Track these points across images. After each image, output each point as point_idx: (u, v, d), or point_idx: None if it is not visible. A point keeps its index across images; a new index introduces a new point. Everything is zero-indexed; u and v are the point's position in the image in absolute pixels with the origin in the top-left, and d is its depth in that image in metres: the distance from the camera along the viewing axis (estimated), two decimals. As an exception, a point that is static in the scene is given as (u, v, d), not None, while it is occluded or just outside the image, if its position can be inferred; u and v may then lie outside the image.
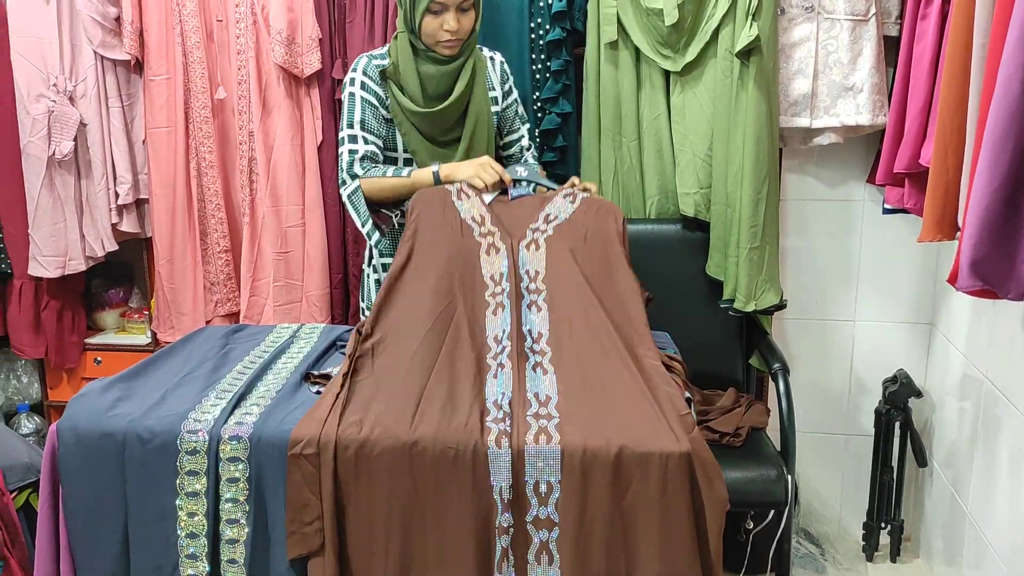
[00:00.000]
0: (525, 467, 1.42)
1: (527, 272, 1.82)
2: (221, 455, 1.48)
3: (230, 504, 1.49)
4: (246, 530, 1.49)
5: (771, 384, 2.57)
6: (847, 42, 2.29)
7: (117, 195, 2.74)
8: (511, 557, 1.43)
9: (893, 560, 2.60)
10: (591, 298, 1.74)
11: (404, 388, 1.56)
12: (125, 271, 3.10)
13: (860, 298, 2.63)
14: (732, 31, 2.27)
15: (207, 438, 1.49)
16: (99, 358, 2.96)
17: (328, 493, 1.43)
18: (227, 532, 1.50)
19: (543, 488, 1.43)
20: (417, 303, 1.75)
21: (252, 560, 1.50)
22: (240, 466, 1.48)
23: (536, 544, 1.44)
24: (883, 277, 2.60)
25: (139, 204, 2.83)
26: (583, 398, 1.54)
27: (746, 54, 2.24)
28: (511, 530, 1.43)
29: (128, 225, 2.80)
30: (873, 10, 2.28)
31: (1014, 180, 1.27)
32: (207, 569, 1.50)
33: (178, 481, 1.49)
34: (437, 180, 1.98)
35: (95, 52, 2.64)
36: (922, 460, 2.50)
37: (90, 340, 2.98)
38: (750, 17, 2.22)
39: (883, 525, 2.59)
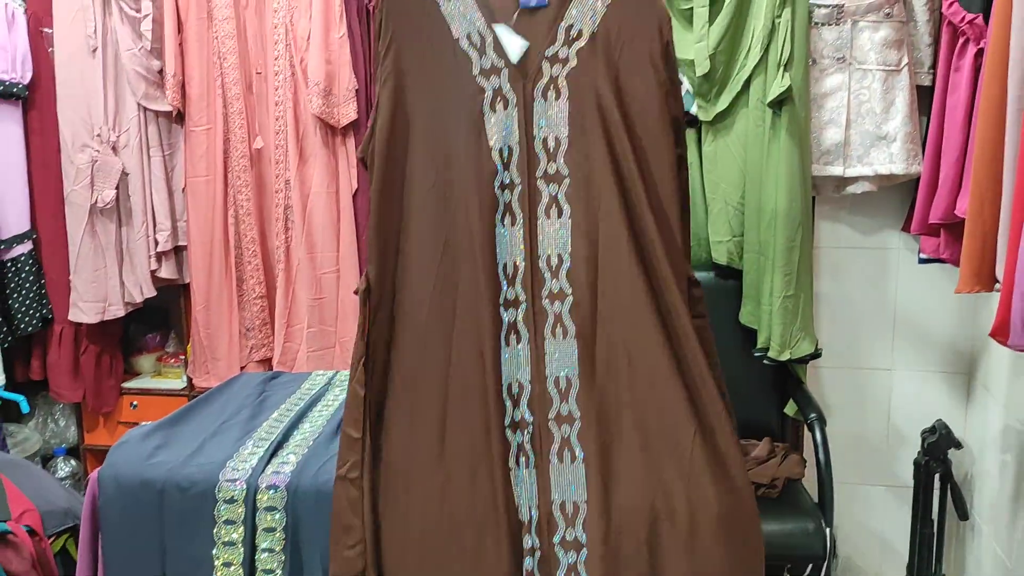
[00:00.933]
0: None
1: (544, 143, 1.41)
2: (258, 504, 1.49)
3: (267, 554, 1.50)
4: (282, 580, 1.50)
5: (806, 433, 2.55)
6: (879, 92, 2.30)
7: (156, 242, 2.80)
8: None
9: (935, 616, 2.53)
10: (622, 209, 1.39)
11: (424, 400, 1.43)
12: (162, 316, 3.15)
13: (897, 347, 2.60)
14: (764, 81, 2.29)
15: (245, 487, 1.50)
16: (135, 402, 3.00)
17: (367, 515, 1.38)
18: (263, 582, 1.50)
19: (569, 509, 1.39)
20: (417, 234, 1.43)
21: (287, 611, 1.50)
22: (277, 515, 1.49)
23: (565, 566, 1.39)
24: (920, 326, 2.57)
25: (177, 251, 2.88)
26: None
27: (778, 104, 2.26)
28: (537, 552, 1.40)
29: (167, 271, 2.85)
30: (905, 60, 2.29)
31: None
32: (243, 619, 1.50)
33: (215, 530, 1.50)
34: None
35: (138, 104, 2.72)
36: (963, 513, 2.44)
37: (127, 384, 3.02)
38: (781, 68, 2.24)
39: (924, 580, 2.54)
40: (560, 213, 1.41)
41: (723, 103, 2.36)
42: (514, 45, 1.42)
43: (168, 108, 2.72)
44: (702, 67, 2.32)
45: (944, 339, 2.56)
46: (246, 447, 1.61)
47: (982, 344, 2.46)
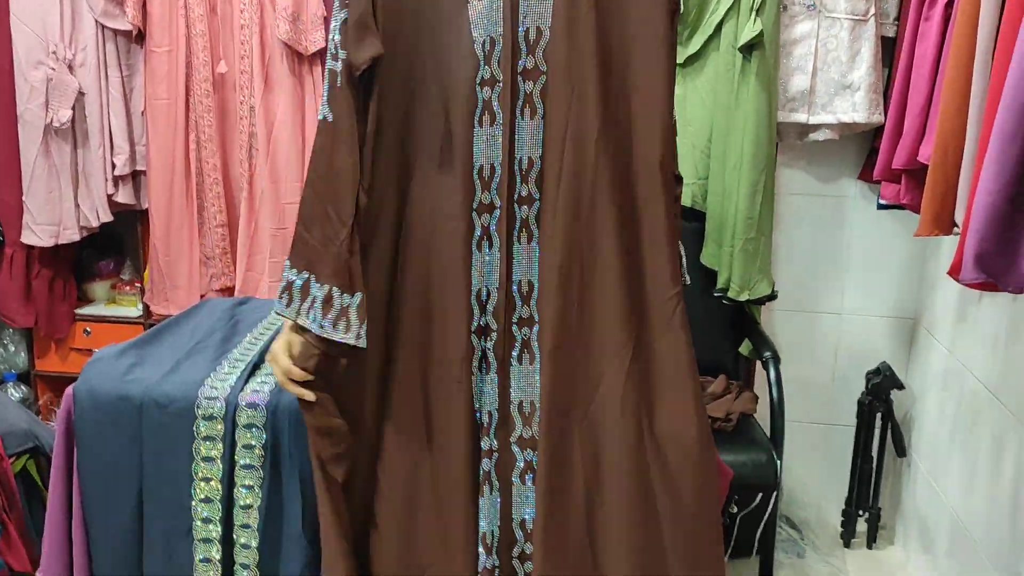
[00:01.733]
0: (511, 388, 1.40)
1: (526, 33, 1.34)
2: (238, 421, 1.51)
3: (246, 471, 1.52)
4: (260, 496, 1.52)
5: (759, 372, 2.64)
6: (847, 41, 2.35)
7: (114, 165, 2.73)
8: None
9: (869, 547, 2.68)
10: (599, 108, 1.34)
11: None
12: (116, 243, 3.09)
13: (847, 292, 2.70)
14: (735, 25, 2.32)
15: (224, 405, 1.51)
16: (88, 329, 2.95)
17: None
18: (241, 497, 1.52)
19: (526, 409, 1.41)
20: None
21: (265, 525, 1.52)
22: (256, 432, 1.51)
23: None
24: (870, 272, 2.67)
25: (135, 176, 2.82)
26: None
27: (748, 49, 2.29)
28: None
29: (124, 196, 2.79)
30: (872, 11, 2.34)
31: (1020, 178, 1.32)
32: (220, 532, 1.52)
33: (194, 446, 1.51)
34: None
35: (96, 21, 2.63)
36: (901, 450, 2.58)
37: (80, 311, 2.97)
38: (754, 12, 2.27)
39: (861, 512, 2.67)
40: (534, 113, 1.37)
41: (695, 45, 2.38)
42: None
43: (128, 27, 2.63)
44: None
45: (893, 285, 2.66)
46: (222, 367, 1.62)
47: (929, 290, 2.57)
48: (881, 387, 2.56)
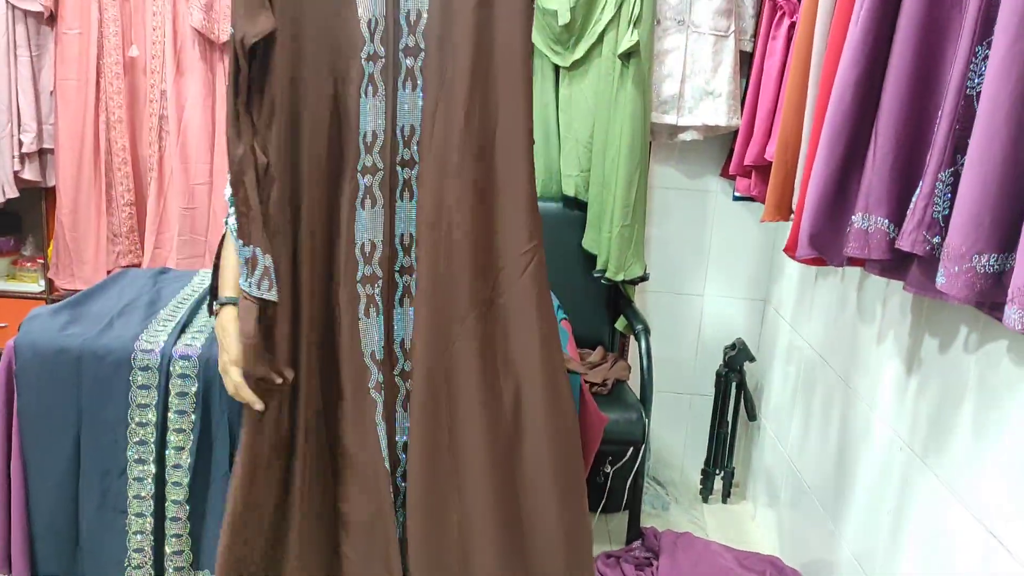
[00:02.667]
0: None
1: (407, 15, 1.50)
2: (172, 372, 1.67)
3: (177, 415, 1.68)
4: (191, 438, 1.69)
5: (632, 346, 2.95)
6: (710, 53, 2.68)
7: (21, 143, 2.79)
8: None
9: (724, 501, 3.03)
10: (468, 80, 1.49)
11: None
12: (14, 221, 3.13)
13: (709, 276, 3.04)
14: (616, 35, 2.61)
15: (159, 357, 1.67)
16: (-12, 304, 3.00)
17: None
18: (173, 440, 1.69)
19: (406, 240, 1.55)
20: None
21: (196, 466, 1.69)
22: (189, 382, 1.68)
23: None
24: (728, 258, 3.02)
25: (41, 153, 2.88)
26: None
27: (627, 56, 2.59)
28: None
29: (30, 173, 2.85)
30: (733, 28, 2.67)
31: (843, 169, 1.64)
32: (153, 471, 1.68)
33: (130, 394, 1.67)
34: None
35: (7, 2, 2.69)
36: (752, 415, 2.94)
37: (-21, 286, 3.01)
38: (632, 24, 2.57)
39: (717, 472, 3.02)
40: (415, 86, 1.53)
41: (580, 52, 2.66)
42: None
43: (39, 8, 2.71)
44: (563, 18, 2.61)
45: (747, 270, 3.02)
46: (153, 325, 1.77)
47: (777, 273, 2.94)
48: (736, 360, 2.90)
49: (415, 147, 1.55)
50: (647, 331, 2.57)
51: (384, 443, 1.60)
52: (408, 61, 1.52)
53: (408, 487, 1.58)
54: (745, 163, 2.34)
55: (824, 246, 1.72)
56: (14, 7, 2.71)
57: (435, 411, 1.57)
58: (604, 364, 2.65)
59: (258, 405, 1.49)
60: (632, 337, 2.84)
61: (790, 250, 1.84)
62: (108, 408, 1.66)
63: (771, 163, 2.13)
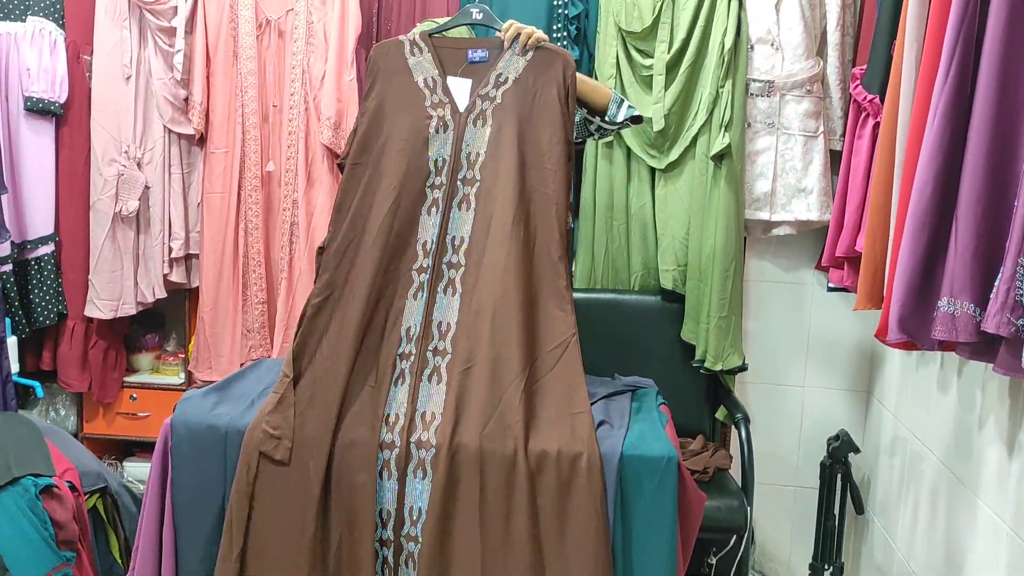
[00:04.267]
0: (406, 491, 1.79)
1: (468, 157, 2.01)
2: (305, 448, 1.85)
3: (309, 488, 1.85)
4: (320, 510, 1.85)
5: (732, 435, 3.00)
6: (800, 153, 2.81)
7: (171, 249, 3.13)
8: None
9: (835, 598, 2.98)
10: (515, 204, 1.95)
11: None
12: (159, 320, 3.46)
13: (809, 367, 3.08)
14: (708, 138, 2.78)
15: (294, 434, 1.86)
16: (135, 395, 3.29)
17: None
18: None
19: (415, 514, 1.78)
20: (373, 201, 2.00)
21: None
22: (319, 457, 1.85)
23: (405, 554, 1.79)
24: (827, 349, 3.06)
25: (187, 258, 3.21)
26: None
27: (719, 158, 2.74)
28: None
29: (177, 276, 3.18)
30: (822, 128, 2.81)
31: (928, 256, 1.72)
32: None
33: (269, 469, 1.85)
34: None
35: (165, 127, 3.07)
36: (859, 508, 2.91)
37: (128, 378, 3.31)
38: (723, 128, 2.73)
39: (826, 566, 2.98)
40: (469, 206, 1.99)
41: (674, 155, 2.83)
42: (462, 90, 2.06)
43: (192, 132, 3.08)
44: (658, 124, 2.79)
45: (848, 361, 3.05)
46: (289, 407, 1.97)
47: (879, 364, 2.96)
48: (840, 451, 2.90)
49: (462, 253, 1.99)
50: (747, 420, 2.63)
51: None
52: (466, 189, 2.01)
53: None
54: (837, 255, 2.43)
55: (913, 330, 1.79)
56: (170, 131, 3.08)
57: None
58: (705, 452, 2.71)
59: None
60: (733, 427, 2.89)
61: (881, 334, 1.91)
62: (250, 482, 1.85)
63: (861, 254, 2.22)
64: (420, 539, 1.77)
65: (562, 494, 1.76)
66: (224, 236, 3.09)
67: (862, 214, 2.33)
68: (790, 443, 3.12)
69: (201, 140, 3.12)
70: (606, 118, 2.18)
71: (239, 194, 3.09)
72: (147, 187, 3.07)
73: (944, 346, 1.80)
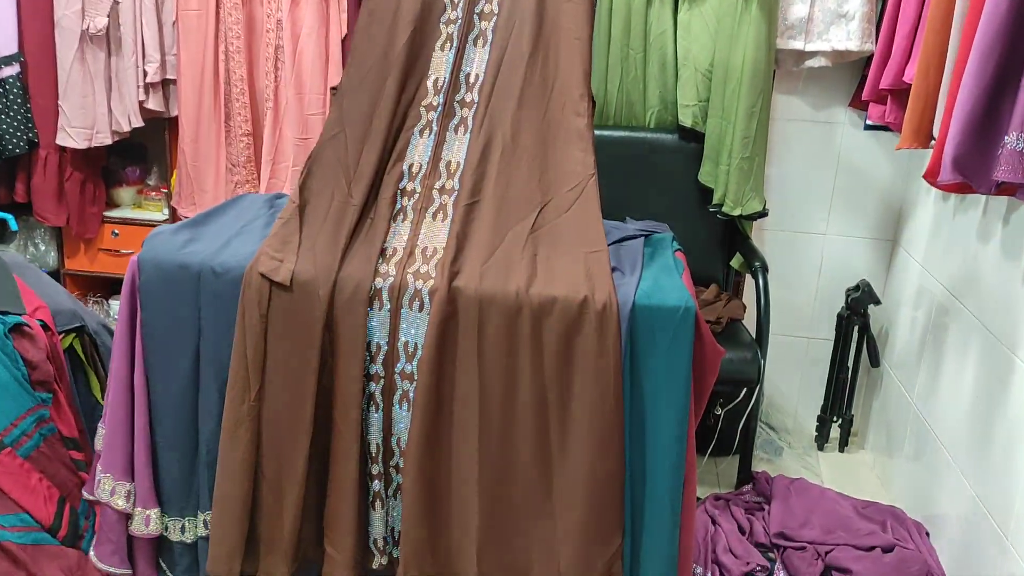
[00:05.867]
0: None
1: (466, 78, 1.90)
2: (286, 290, 1.68)
3: (292, 333, 1.70)
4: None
5: (746, 284, 2.85)
6: (844, -28, 2.50)
7: (145, 73, 2.87)
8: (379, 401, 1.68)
9: (841, 450, 2.92)
10: (532, 38, 1.86)
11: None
12: (140, 151, 3.24)
13: (832, 213, 2.89)
14: (741, -45, 2.47)
15: (274, 274, 1.69)
16: (116, 231, 3.12)
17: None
18: (287, 357, 1.71)
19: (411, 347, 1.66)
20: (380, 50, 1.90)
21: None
22: (302, 300, 1.69)
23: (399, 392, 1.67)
24: (854, 195, 2.86)
25: (164, 84, 2.96)
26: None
27: (752, -24, 2.44)
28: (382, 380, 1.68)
29: (154, 103, 2.93)
30: (869, -56, 2.49)
31: (995, 87, 1.50)
32: (269, 388, 1.71)
33: (246, 311, 1.69)
34: None
35: (131, -68, 2.75)
36: (875, 361, 2.80)
37: (108, 213, 3.13)
38: (759, -57, 2.42)
39: (835, 419, 2.90)
40: (485, 41, 1.91)
41: (701, -27, 2.53)
42: None
43: (162, -61, 2.76)
44: (685, -64, 2.48)
45: (875, 208, 2.85)
46: (268, 245, 1.79)
47: (909, 211, 2.76)
48: (859, 302, 2.76)
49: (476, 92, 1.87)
50: (765, 268, 2.46)
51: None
52: (483, 24, 1.90)
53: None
54: (881, 87, 2.18)
55: (970, 170, 1.59)
56: (138, -62, 2.76)
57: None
58: (718, 302, 2.56)
59: None
60: (748, 275, 2.73)
61: (931, 175, 1.71)
62: (225, 324, 1.69)
63: (910, 86, 1.98)
64: (415, 377, 1.64)
65: (570, 337, 1.63)
66: (203, 60, 2.82)
67: (913, 41, 2.07)
68: (806, 293, 2.97)
69: (173, -51, 2.80)
70: None
71: (217, 12, 2.80)
72: (116, 2, 2.78)
73: (1003, 189, 1.59)
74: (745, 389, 2.40)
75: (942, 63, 1.84)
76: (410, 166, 1.84)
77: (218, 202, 2.88)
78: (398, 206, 1.80)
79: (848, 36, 2.53)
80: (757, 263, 2.48)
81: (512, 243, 1.73)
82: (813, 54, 2.61)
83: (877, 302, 2.76)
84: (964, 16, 1.78)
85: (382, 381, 1.68)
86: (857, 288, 2.79)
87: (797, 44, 2.58)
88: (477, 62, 1.90)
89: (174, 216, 3.04)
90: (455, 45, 1.90)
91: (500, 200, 1.78)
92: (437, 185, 1.82)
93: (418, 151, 1.85)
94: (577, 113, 1.83)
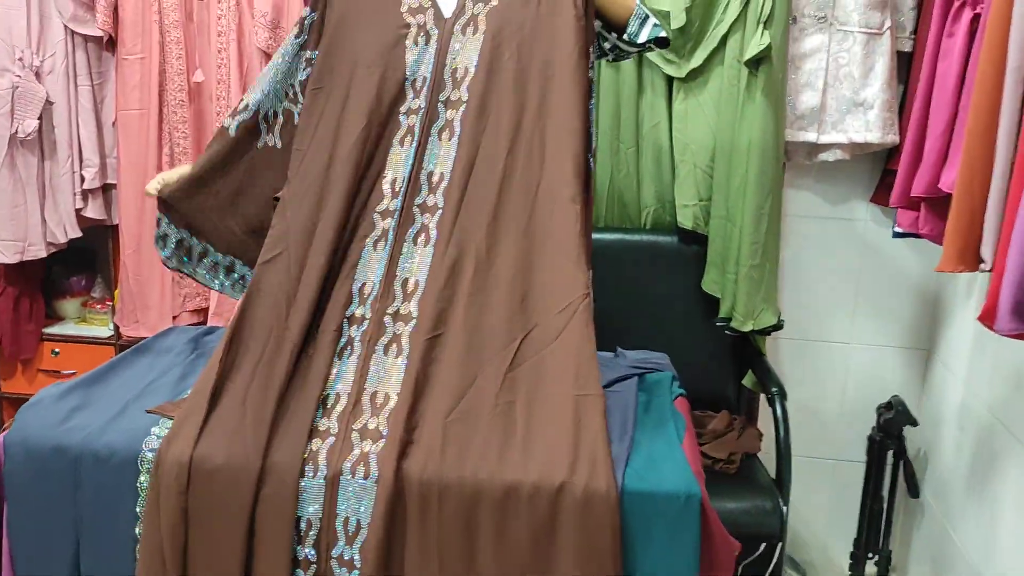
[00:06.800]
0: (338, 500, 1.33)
1: (452, 74, 1.59)
2: (187, 476, 1.35)
3: (195, 530, 1.36)
4: (211, 559, 1.37)
5: (762, 404, 2.50)
6: (859, 56, 2.20)
7: (83, 179, 2.59)
8: None
9: (878, 591, 2.53)
10: (511, 131, 1.55)
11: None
12: (88, 258, 2.95)
13: (856, 320, 2.56)
14: (742, 38, 2.18)
15: (172, 457, 1.36)
16: (57, 349, 2.81)
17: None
18: (190, 560, 1.37)
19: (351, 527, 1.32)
20: (333, 138, 1.60)
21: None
22: (207, 489, 1.36)
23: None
24: (881, 300, 2.53)
25: (106, 189, 2.68)
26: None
27: (755, 63, 2.15)
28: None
29: (93, 211, 2.65)
30: (888, 24, 2.19)
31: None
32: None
33: (139, 507, 1.36)
34: None
35: (65, 26, 2.49)
36: (914, 491, 2.43)
37: (49, 330, 2.82)
38: (761, 25, 2.13)
39: (870, 555, 2.52)
40: (452, 134, 1.58)
41: (697, 59, 2.24)
42: None
43: (98, 33, 2.50)
44: (677, 20, 2.19)
45: (905, 314, 2.52)
46: (175, 411, 1.46)
47: (944, 319, 2.42)
48: (894, 423, 2.40)
49: (440, 193, 1.56)
50: (783, 395, 2.12)
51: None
52: (448, 113, 1.59)
53: None
54: (912, 194, 1.86)
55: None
56: (73, 32, 2.50)
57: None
58: (730, 433, 2.21)
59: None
60: (762, 396, 2.39)
61: (987, 318, 1.37)
62: (112, 521, 1.36)
63: (949, 196, 1.65)
64: (357, 565, 1.29)
65: (548, 530, 1.29)
66: (145, 162, 2.54)
67: (949, 141, 1.75)
68: (831, 410, 2.62)
69: (111, 44, 2.54)
70: (624, 36, 1.63)
71: (161, 111, 2.53)
72: (49, 102, 2.51)
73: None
74: (765, 544, 2.04)
75: (989, 170, 1.52)
76: (361, 286, 1.53)
77: (164, 320, 2.59)
78: (344, 338, 1.49)
79: (867, 127, 2.23)
80: (774, 389, 2.13)
81: (484, 387, 1.41)
82: (828, 146, 2.30)
83: (913, 423, 2.40)
84: (1016, 114, 1.47)
85: (312, 568, 1.34)
86: (890, 406, 2.43)
87: (809, 136, 2.27)
88: (442, 158, 1.57)
89: (118, 334, 2.73)
90: (416, 139, 1.58)
91: (471, 331, 1.45)
92: (391, 310, 1.50)
93: (371, 267, 1.54)
94: (567, 220, 1.49)
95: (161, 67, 2.49)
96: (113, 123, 2.59)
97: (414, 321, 1.47)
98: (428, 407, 1.39)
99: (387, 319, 1.49)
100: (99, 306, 2.86)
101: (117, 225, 2.66)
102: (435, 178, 1.57)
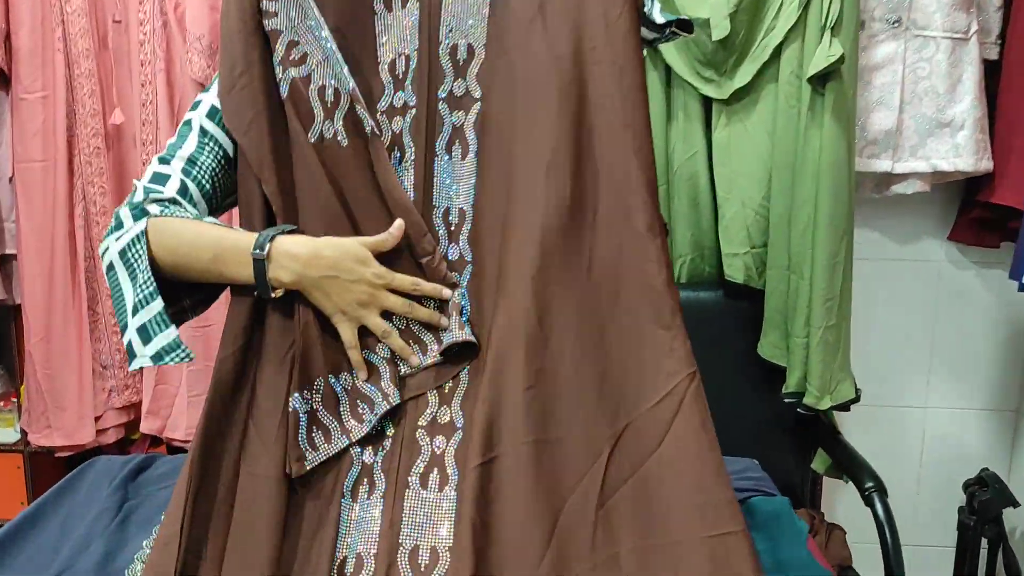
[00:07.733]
0: None
1: (451, 53, 1.05)
2: None
3: None
4: None
5: (831, 492, 2.09)
6: (944, 66, 1.82)
7: (-27, 250, 2.07)
8: None
9: None
10: (553, 138, 1.00)
11: None
12: (-12, 343, 2.41)
13: (932, 380, 2.17)
14: (800, 48, 1.77)
15: None
16: (-51, 461, 2.25)
17: None
18: None
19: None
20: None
21: None
22: None
23: None
24: (960, 354, 2.16)
25: (3, 261, 2.15)
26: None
27: (821, 79, 1.74)
28: None
29: (-11, 289, 2.12)
30: (975, 27, 1.81)
31: None
32: None
33: None
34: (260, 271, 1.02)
35: (-57, 60, 1.98)
36: (1016, 581, 2.04)
37: (-62, 436, 2.27)
38: (828, 31, 1.72)
39: (963, 659, 2.12)
40: (466, 151, 1.04)
41: (743, 77, 1.82)
42: None
43: (-14, 67, 2.00)
44: (720, 29, 1.77)
45: (990, 371, 2.16)
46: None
47: (1040, 377, 2.05)
48: (989, 505, 2.01)
49: (465, 242, 1.05)
50: (882, 490, 1.69)
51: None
52: (456, 117, 1.05)
53: None
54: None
55: None
56: (-47, 68, 1.99)
57: None
58: (816, 539, 1.77)
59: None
60: (827, 477, 1.98)
61: None
62: None
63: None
64: None
65: None
66: (52, 226, 2.05)
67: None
68: (905, 488, 2.23)
69: (5, 81, 2.03)
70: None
71: (71, 162, 2.04)
72: (-75, 156, 1.99)
73: None
74: None
75: None
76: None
77: (83, 423, 2.09)
78: (355, 469, 1.02)
79: (956, 151, 1.84)
80: (871, 484, 1.70)
81: (572, 530, 0.93)
82: (904, 176, 1.90)
83: (1015, 504, 2.01)
84: None
85: None
86: (983, 483, 2.03)
87: (882, 165, 1.88)
88: (457, 190, 1.04)
89: (26, 440, 2.19)
90: (412, 159, 1.05)
91: (535, 447, 0.95)
92: (423, 423, 1.02)
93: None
94: (647, 259, 0.98)
95: (69, 107, 2.01)
96: (10, 179, 2.07)
97: (457, 438, 1.00)
98: (497, 569, 0.92)
99: (419, 435, 1.02)
100: (2, 404, 2.31)
101: (20, 305, 2.13)
102: (451, 217, 1.05)
